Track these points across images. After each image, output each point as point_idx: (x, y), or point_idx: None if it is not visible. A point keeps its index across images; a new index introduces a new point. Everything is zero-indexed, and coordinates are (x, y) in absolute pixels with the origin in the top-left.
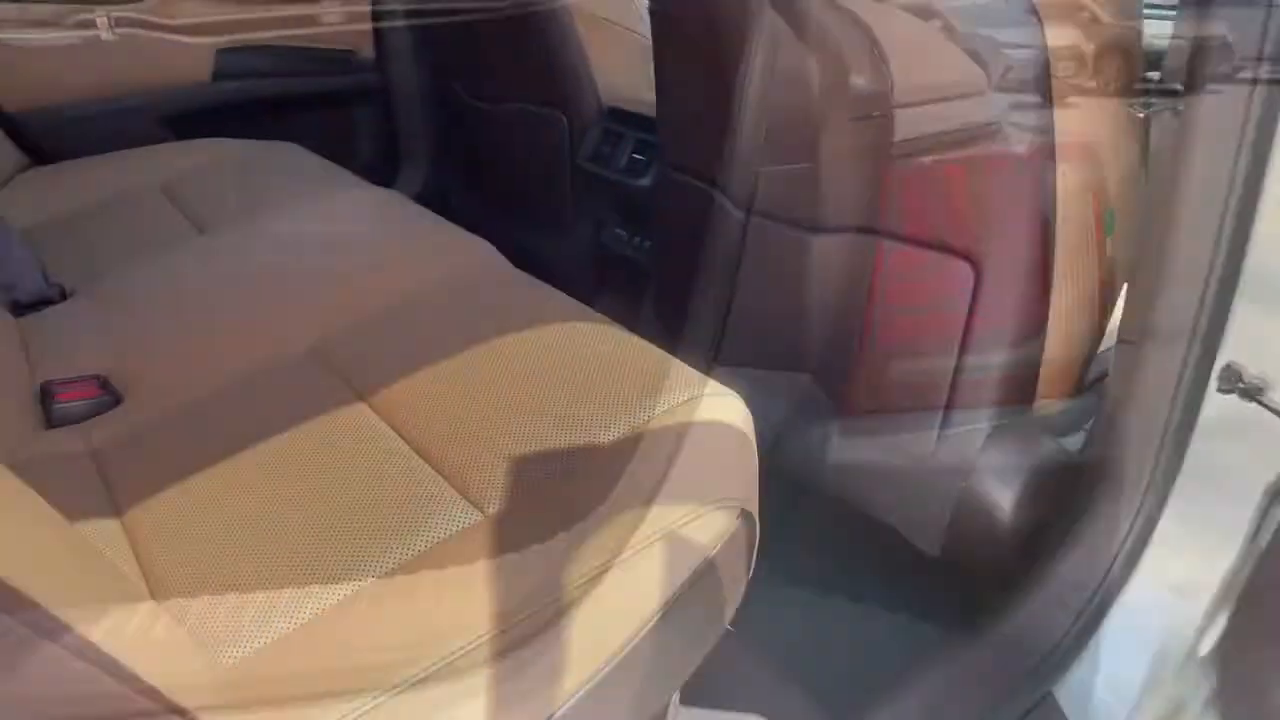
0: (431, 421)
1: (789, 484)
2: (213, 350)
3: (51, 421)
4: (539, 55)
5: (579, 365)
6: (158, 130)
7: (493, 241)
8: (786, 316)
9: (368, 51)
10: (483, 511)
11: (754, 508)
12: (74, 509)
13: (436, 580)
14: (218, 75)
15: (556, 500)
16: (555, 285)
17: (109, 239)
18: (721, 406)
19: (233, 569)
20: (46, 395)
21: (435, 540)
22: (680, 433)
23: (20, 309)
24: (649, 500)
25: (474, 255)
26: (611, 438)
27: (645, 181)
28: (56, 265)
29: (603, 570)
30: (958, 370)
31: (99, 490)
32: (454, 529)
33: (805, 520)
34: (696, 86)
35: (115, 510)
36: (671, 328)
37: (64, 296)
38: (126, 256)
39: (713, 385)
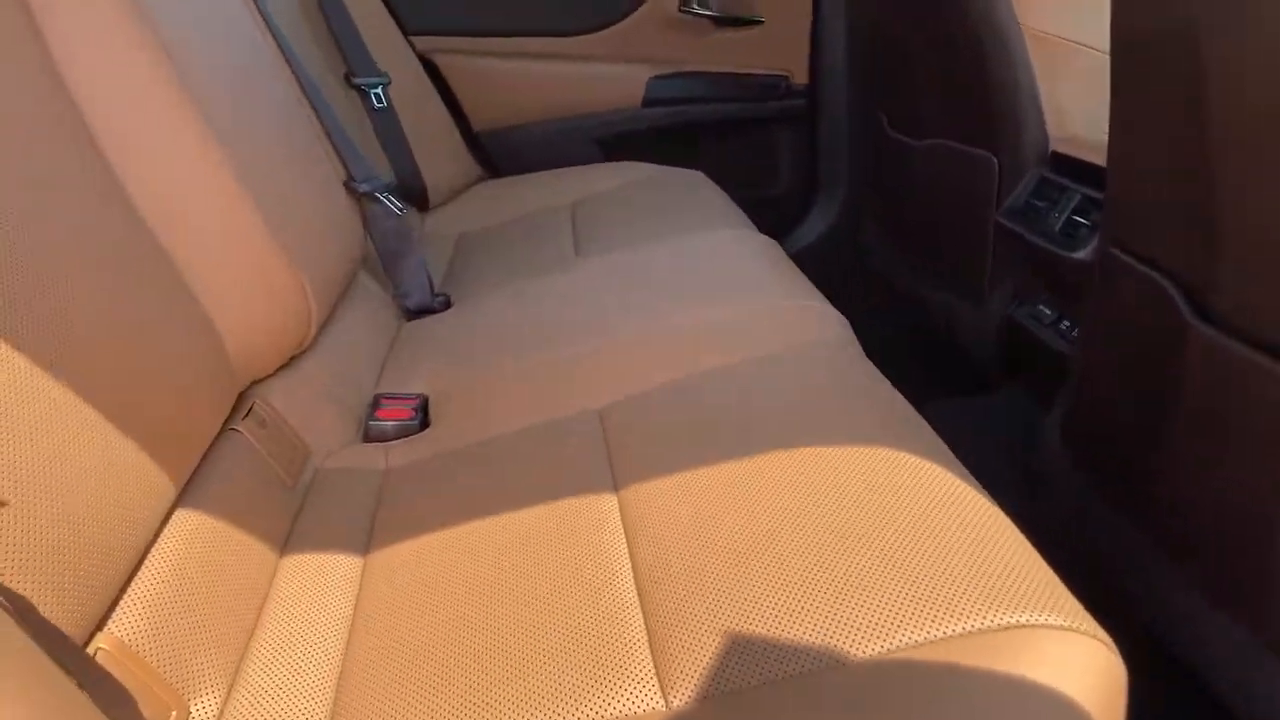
0: (668, 548)
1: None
2: (519, 389)
3: (367, 435)
4: (974, 83)
5: (879, 523)
6: (594, 151)
7: (893, 293)
8: (1248, 501)
9: (801, 76)
10: (666, 700)
11: None
12: (337, 536)
13: None
14: (648, 100)
15: None
16: (951, 357)
17: (505, 254)
18: (1076, 659)
19: (392, 689)
20: (373, 407)
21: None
22: (978, 684)
23: (411, 315)
24: None
25: (821, 333)
26: (865, 654)
27: (1083, 255)
28: (462, 275)
29: None
30: None
31: (366, 519)
32: (625, 709)
33: None
34: (1170, 141)
35: (365, 547)
36: (1082, 461)
37: (446, 308)
38: (508, 273)
39: (1080, 617)
